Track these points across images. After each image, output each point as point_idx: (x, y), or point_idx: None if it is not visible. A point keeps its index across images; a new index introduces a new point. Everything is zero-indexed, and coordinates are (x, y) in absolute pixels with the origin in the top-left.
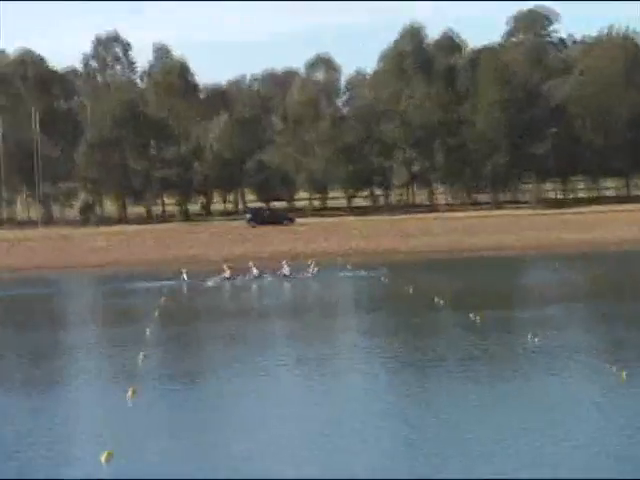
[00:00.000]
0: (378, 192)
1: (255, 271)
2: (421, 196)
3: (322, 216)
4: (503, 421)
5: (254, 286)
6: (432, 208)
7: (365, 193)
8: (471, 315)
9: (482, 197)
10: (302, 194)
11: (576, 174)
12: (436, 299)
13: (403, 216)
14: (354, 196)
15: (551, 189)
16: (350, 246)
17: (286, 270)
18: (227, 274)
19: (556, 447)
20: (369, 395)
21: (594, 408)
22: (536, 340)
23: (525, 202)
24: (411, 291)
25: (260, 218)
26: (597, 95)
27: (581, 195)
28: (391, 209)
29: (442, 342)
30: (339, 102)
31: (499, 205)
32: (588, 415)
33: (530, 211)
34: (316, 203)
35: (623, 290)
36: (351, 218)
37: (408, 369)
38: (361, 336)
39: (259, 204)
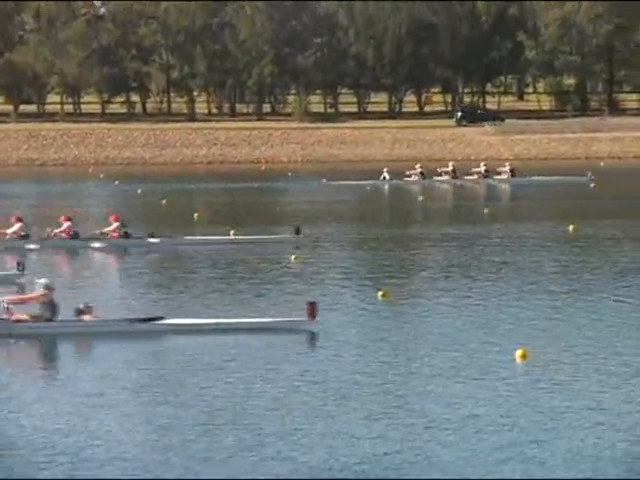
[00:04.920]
0: (135, 99)
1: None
2: (180, 104)
3: (75, 122)
4: None
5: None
6: (191, 117)
7: (121, 99)
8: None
9: (244, 108)
10: (54, 98)
11: (342, 87)
12: (195, 216)
13: (162, 125)
14: (109, 102)
15: (317, 102)
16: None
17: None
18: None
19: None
20: None
21: (353, 326)
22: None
23: (289, 114)
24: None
25: (471, 116)
26: (367, 6)
27: (347, 109)
28: (148, 117)
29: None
30: (97, 2)
31: (261, 117)
32: (345, 334)
33: (294, 124)
34: (68, 108)
35: (399, 211)
36: (104, 124)
37: None
38: None
39: (469, 102)
